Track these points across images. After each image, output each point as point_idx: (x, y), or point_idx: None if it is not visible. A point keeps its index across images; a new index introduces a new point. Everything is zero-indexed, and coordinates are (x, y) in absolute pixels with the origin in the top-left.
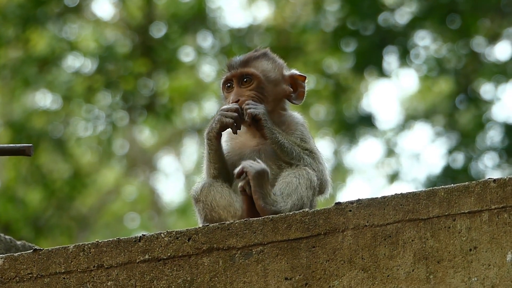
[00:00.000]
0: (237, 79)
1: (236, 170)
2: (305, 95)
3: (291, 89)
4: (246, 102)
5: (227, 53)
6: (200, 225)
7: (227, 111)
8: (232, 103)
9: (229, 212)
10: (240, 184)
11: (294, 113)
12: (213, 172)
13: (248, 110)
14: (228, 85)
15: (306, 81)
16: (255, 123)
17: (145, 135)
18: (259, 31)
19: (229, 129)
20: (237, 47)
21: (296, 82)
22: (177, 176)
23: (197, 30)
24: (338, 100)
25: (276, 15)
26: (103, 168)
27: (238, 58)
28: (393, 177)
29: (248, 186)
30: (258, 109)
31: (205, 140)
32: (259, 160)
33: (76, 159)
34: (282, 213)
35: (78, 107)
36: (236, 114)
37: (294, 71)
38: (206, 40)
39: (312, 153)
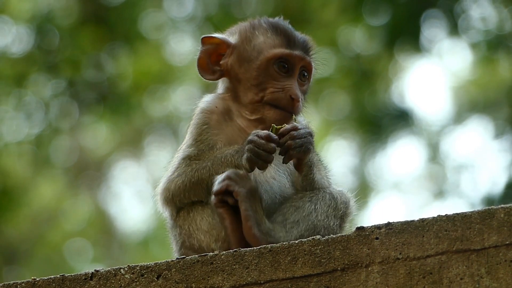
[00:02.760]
0: (300, 68)
1: (216, 187)
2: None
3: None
4: (296, 125)
5: (206, 25)
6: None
7: (264, 148)
8: (292, 97)
9: (212, 236)
10: (213, 197)
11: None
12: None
13: (295, 151)
14: (285, 65)
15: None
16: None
17: (97, 136)
18: None
19: (211, 116)
20: (222, 18)
21: None
22: (138, 192)
23: None
24: (360, 88)
25: None
26: (39, 182)
27: (302, 36)
28: (437, 193)
29: (231, 197)
30: (307, 144)
31: (223, 166)
32: (243, 172)
33: (3, 171)
34: None
35: (5, 98)
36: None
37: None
38: (180, 6)
39: (326, 178)
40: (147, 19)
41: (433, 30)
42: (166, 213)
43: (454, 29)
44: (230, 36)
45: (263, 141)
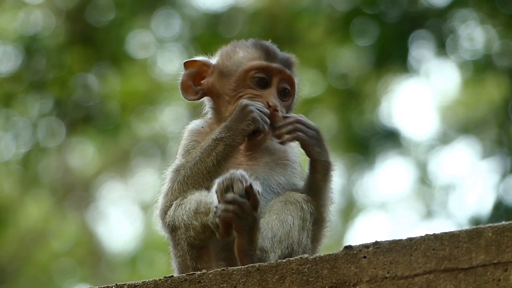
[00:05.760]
0: (279, 81)
1: (220, 213)
2: None
3: None
4: (299, 119)
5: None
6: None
7: (261, 111)
8: (270, 104)
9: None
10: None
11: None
12: (202, 184)
13: (313, 150)
14: (262, 79)
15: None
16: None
17: (85, 156)
18: (241, 15)
19: (198, 134)
20: (209, 38)
21: None
22: (126, 212)
23: (154, 11)
24: (348, 108)
25: None
26: (26, 202)
27: (284, 53)
28: (424, 213)
29: (230, 227)
30: (323, 150)
31: (222, 145)
32: (246, 202)
33: None
34: None
35: None
36: (269, 122)
37: None
38: (168, 26)
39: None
40: (134, 39)
41: (421, 51)
42: (165, 231)
43: (442, 50)
44: (212, 58)
45: (260, 106)
